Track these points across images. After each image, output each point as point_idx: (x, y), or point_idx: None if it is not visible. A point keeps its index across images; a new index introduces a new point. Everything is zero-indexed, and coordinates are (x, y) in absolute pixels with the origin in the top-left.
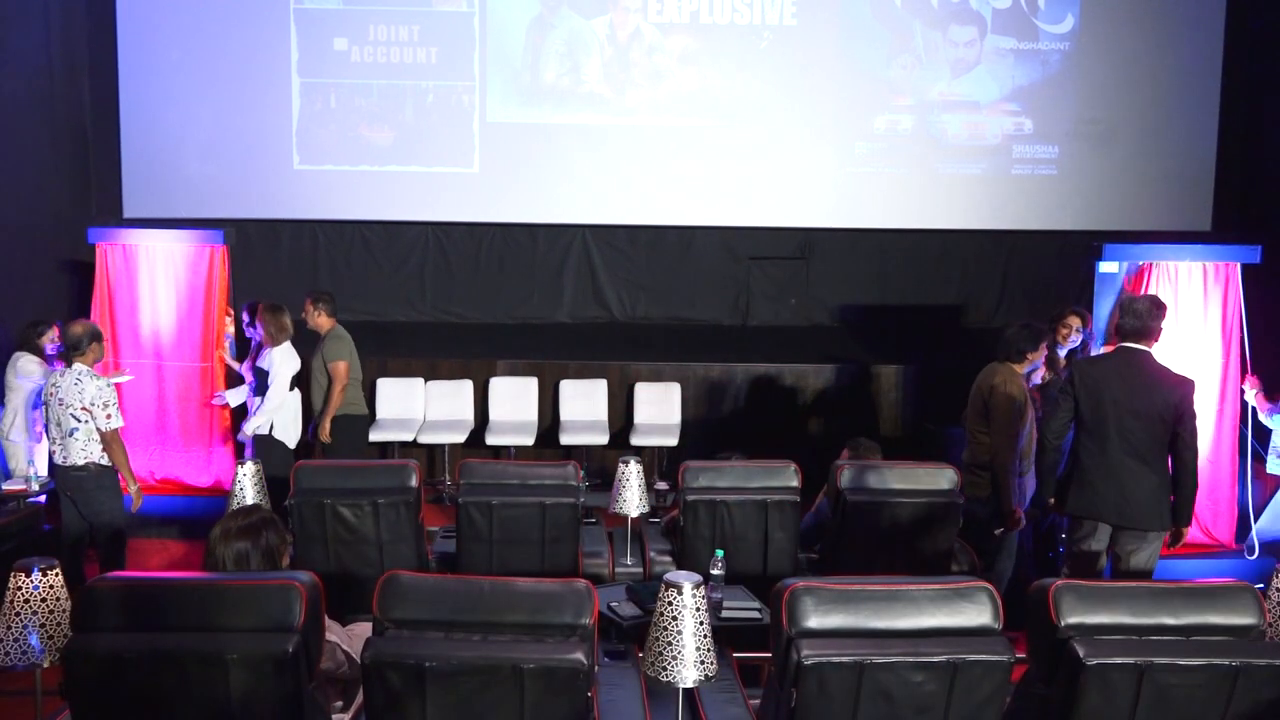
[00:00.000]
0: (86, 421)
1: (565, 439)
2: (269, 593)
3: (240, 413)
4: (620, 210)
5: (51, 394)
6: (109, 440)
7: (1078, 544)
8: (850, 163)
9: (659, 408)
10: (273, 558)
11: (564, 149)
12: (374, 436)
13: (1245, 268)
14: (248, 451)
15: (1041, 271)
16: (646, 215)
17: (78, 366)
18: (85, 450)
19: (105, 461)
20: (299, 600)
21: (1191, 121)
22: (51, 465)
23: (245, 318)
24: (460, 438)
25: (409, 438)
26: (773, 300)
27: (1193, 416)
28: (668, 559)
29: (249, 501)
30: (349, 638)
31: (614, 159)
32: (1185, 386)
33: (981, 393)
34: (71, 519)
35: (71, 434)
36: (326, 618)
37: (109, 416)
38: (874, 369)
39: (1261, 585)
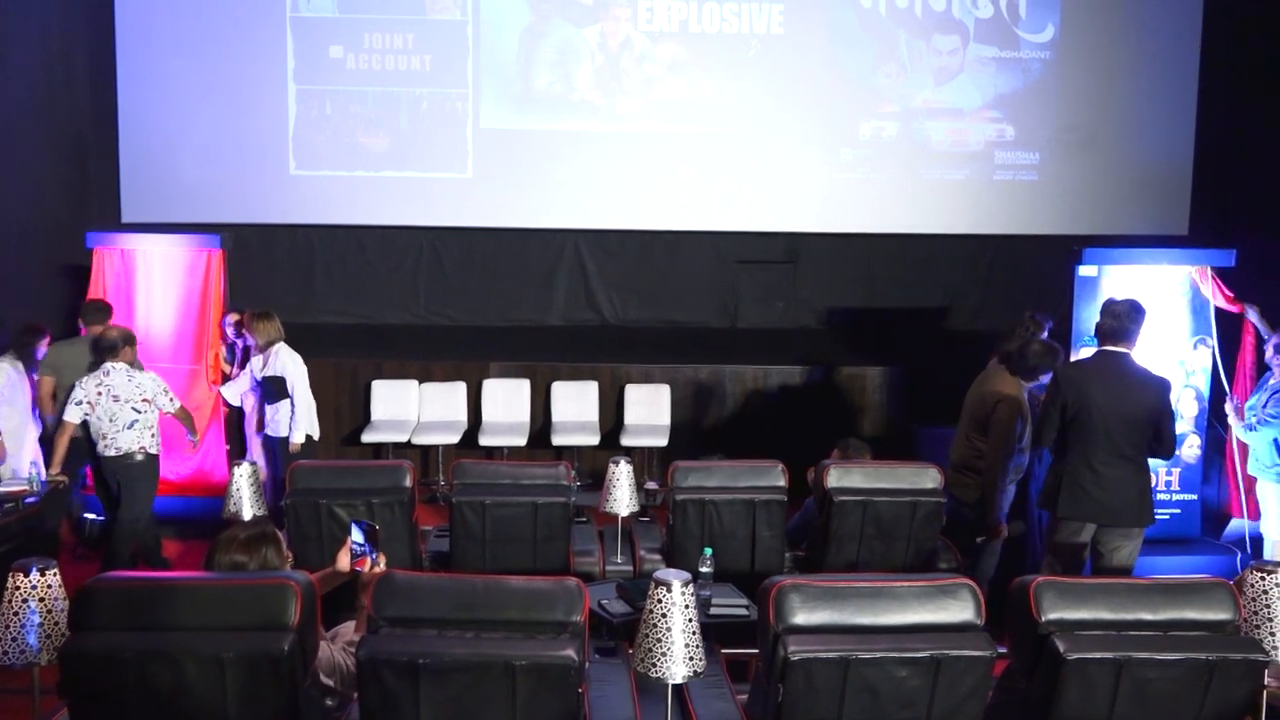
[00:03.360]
0: (146, 412)
1: (557, 440)
2: (265, 592)
3: (236, 416)
4: (611, 215)
5: (100, 392)
6: (182, 415)
7: (1062, 538)
8: (836, 169)
9: (649, 409)
10: None
11: (556, 155)
12: (368, 438)
13: (1220, 271)
14: (253, 454)
15: (1023, 275)
16: (637, 220)
17: (120, 364)
18: (141, 439)
19: (154, 450)
20: (294, 600)
21: (1169, 129)
22: (95, 460)
23: (231, 331)
24: (454, 439)
25: (403, 439)
26: (761, 303)
27: (1171, 415)
28: (657, 557)
29: (245, 501)
30: (330, 646)
31: (605, 165)
32: (1163, 386)
33: (985, 401)
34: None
35: (131, 425)
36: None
37: (172, 399)
38: (859, 371)
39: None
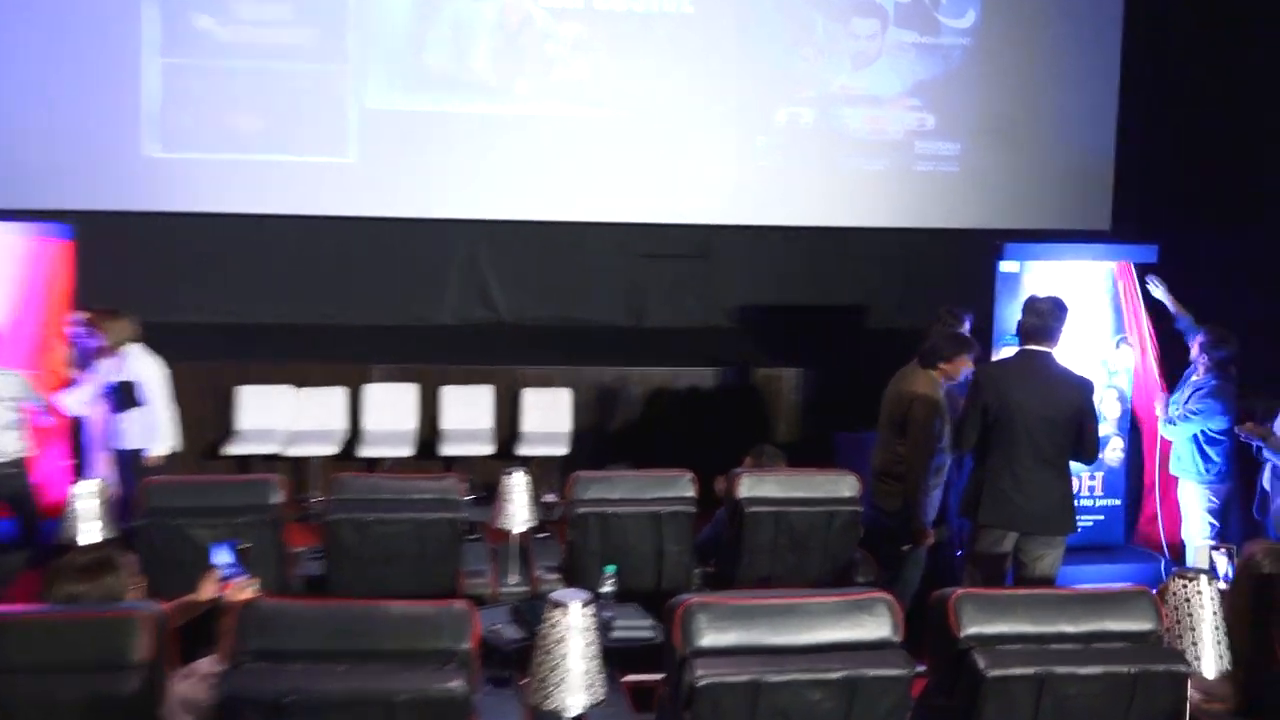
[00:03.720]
0: (21, 412)
1: (447, 449)
2: (107, 626)
3: (79, 427)
4: (508, 205)
5: None
6: (44, 405)
7: (983, 548)
8: (750, 157)
9: (548, 415)
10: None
11: (449, 139)
12: (234, 450)
13: (1143, 267)
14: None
15: (944, 271)
16: (536, 210)
17: None
18: (21, 440)
19: (30, 452)
20: (142, 633)
21: (1091, 119)
22: None
23: (77, 331)
24: (331, 449)
25: (274, 450)
26: (669, 300)
27: (1095, 417)
28: (556, 576)
29: (86, 523)
30: (186, 683)
31: (502, 151)
32: (1087, 387)
33: (901, 401)
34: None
35: (12, 425)
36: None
37: (37, 393)
38: (774, 372)
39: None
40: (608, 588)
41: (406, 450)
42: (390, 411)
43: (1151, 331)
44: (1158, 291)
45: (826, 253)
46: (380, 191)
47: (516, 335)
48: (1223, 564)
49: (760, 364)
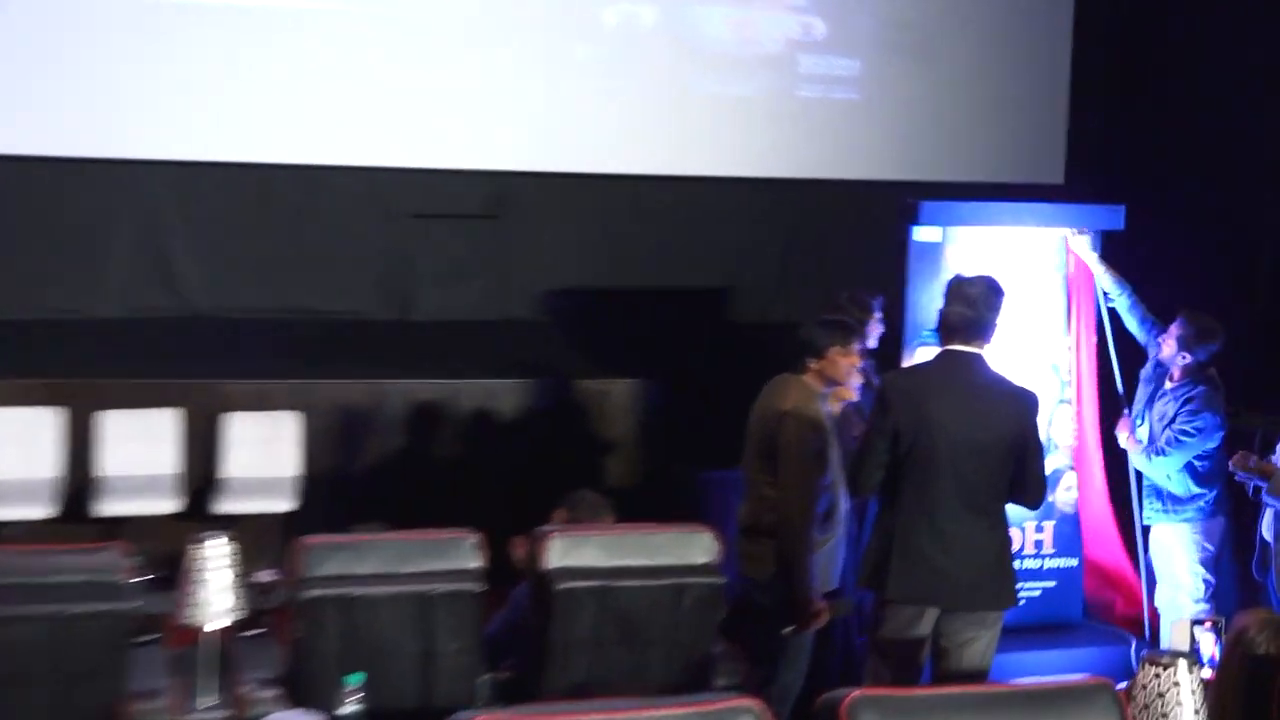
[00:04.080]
0: None
1: (107, 506)
2: None
3: None
4: (207, 140)
5: None
6: None
7: (892, 631)
8: (566, 75)
9: (264, 452)
10: None
11: (108, 37)
12: None
13: (1105, 235)
14: None
15: (838, 239)
16: (249, 148)
17: None
18: None
19: None
20: None
21: (1040, 35)
22: None
23: None
24: None
25: None
26: (447, 282)
27: (1040, 445)
28: (274, 693)
29: None
30: None
31: (199, 58)
32: (1030, 402)
33: (767, 421)
34: None
35: None
36: None
37: None
38: (599, 385)
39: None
40: (351, 707)
41: (43, 509)
42: (17, 450)
43: (1093, 327)
44: (1077, 244)
45: (674, 213)
46: (10, 119)
47: (217, 333)
48: (1208, 643)
49: (579, 373)
